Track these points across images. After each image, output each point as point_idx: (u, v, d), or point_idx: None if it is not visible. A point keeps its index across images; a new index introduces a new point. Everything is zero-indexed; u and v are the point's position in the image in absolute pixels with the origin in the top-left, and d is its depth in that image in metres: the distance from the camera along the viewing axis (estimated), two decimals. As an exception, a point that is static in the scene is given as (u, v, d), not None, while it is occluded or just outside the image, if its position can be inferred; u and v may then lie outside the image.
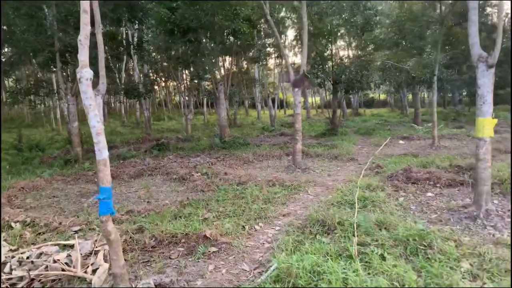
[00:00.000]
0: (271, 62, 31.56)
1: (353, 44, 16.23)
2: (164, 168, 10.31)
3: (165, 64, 23.94)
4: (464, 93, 28.55)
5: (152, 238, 5.19)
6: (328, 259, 4.17)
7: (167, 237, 5.20)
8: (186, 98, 23.54)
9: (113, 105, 46.76)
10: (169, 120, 32.66)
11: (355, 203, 6.54)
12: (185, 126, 19.90)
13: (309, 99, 50.70)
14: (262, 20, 14.91)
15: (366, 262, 4.19)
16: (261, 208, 6.60)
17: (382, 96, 56.67)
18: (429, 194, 7.31)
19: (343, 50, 17.62)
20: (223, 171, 9.55)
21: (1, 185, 8.65)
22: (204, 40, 13.43)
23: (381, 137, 15.58)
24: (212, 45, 13.32)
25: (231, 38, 13.82)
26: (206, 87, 20.74)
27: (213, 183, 8.41)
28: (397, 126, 20.53)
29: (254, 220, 6.09)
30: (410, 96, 39.70)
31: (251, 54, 20.09)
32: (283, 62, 24.14)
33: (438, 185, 7.72)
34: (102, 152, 3.44)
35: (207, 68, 13.70)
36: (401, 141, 14.15)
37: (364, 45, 15.63)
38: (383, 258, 4.24)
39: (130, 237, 5.25)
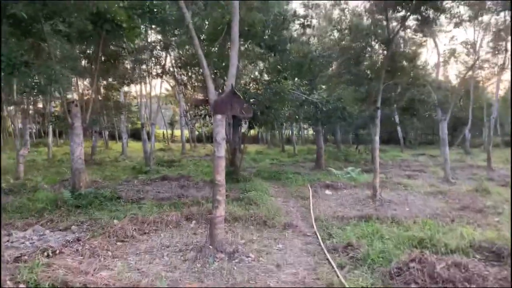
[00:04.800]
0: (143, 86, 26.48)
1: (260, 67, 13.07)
2: None
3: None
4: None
5: None
6: None
7: None
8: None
9: None
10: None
11: None
12: (16, 166, 13.43)
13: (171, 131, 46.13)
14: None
15: None
16: None
17: (253, 132, 55.97)
18: (496, 318, 3.91)
19: (250, 72, 14.41)
20: (80, 273, 4.68)
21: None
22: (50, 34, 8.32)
23: (297, 184, 12.32)
24: (66, 41, 8.28)
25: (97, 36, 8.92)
26: (53, 109, 14.80)
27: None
28: (296, 167, 17.82)
29: None
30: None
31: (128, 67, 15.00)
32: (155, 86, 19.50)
33: (486, 291, 4.43)
34: None
35: (55, 77, 8.45)
36: (327, 192, 11.06)
37: (274, 68, 12.48)
38: None
39: None
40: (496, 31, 20.08)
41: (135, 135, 40.84)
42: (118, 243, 6.34)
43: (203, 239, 6.45)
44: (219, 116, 5.88)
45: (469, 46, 25.00)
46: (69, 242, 5.99)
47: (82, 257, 5.51)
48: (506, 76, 26.04)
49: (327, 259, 5.65)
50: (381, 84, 9.40)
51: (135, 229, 6.87)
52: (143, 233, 6.84)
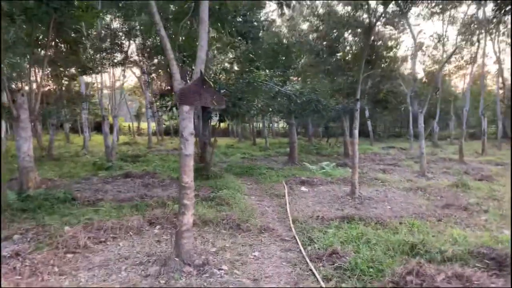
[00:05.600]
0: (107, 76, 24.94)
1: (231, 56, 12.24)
2: None
3: None
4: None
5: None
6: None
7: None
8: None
9: None
10: None
11: None
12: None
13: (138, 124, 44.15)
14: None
15: None
16: None
17: (223, 124, 54.85)
18: None
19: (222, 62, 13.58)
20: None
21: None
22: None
23: (271, 181, 11.63)
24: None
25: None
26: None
27: None
28: (269, 161, 17.16)
29: None
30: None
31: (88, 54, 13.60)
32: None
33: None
34: None
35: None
36: (303, 188, 10.44)
37: (246, 57, 11.68)
38: None
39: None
40: (466, 24, 20.14)
41: (100, 128, 38.90)
42: (68, 256, 5.42)
43: (169, 247, 5.66)
44: (186, 108, 5.05)
45: (437, 40, 25.06)
46: (5, 257, 5.01)
47: (20, 277, 4.58)
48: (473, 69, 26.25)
49: (310, 269, 5.00)
50: (360, 74, 8.81)
51: (89, 237, 5.95)
52: (98, 242, 5.94)
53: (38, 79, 11.99)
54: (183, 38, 9.29)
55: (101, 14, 11.08)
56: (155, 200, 8.31)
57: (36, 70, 15.26)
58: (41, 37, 9.80)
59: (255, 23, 11.05)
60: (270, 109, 13.46)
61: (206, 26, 5.07)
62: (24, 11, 7.03)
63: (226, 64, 15.71)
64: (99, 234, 6.18)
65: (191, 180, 5.14)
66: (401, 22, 16.40)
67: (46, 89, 19.99)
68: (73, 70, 16.54)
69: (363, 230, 6.24)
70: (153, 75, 14.78)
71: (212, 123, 14.84)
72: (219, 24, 7.59)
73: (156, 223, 6.90)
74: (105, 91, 27.78)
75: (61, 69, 14.76)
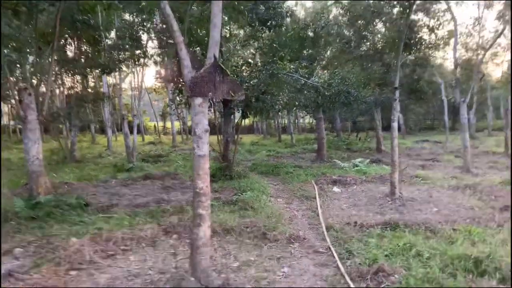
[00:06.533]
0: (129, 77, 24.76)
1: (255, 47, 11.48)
2: None
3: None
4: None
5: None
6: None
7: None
8: None
9: None
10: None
11: None
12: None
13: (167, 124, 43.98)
14: None
15: None
16: None
17: (247, 121, 54.27)
18: None
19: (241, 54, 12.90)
20: None
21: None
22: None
23: (299, 180, 10.72)
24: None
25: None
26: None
27: None
28: (296, 159, 16.26)
29: None
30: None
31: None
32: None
33: None
34: None
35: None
36: (336, 189, 9.51)
37: (269, 47, 10.84)
38: None
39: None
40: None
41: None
42: (71, 273, 4.76)
43: (185, 261, 4.90)
44: (198, 101, 4.25)
45: (472, 26, 23.31)
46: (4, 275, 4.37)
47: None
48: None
49: (354, 293, 4.12)
50: (398, 60, 7.79)
51: (96, 250, 5.28)
52: (106, 256, 5.25)
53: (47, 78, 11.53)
54: (194, 17, 8.43)
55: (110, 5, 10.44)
56: (173, 205, 7.59)
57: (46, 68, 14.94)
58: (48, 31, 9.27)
59: (278, 10, 10.21)
60: (296, 103, 12.55)
61: (220, 3, 4.26)
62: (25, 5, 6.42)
63: (250, 60, 14.97)
64: (108, 246, 5.50)
65: (206, 185, 4.35)
66: (432, 9, 15.17)
67: (71, 90, 19.82)
68: (91, 69, 16.16)
69: (411, 239, 5.28)
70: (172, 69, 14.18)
71: (235, 120, 14.05)
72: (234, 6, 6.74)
73: (173, 232, 6.17)
74: (129, 92, 27.58)
75: (78, 68, 14.32)
